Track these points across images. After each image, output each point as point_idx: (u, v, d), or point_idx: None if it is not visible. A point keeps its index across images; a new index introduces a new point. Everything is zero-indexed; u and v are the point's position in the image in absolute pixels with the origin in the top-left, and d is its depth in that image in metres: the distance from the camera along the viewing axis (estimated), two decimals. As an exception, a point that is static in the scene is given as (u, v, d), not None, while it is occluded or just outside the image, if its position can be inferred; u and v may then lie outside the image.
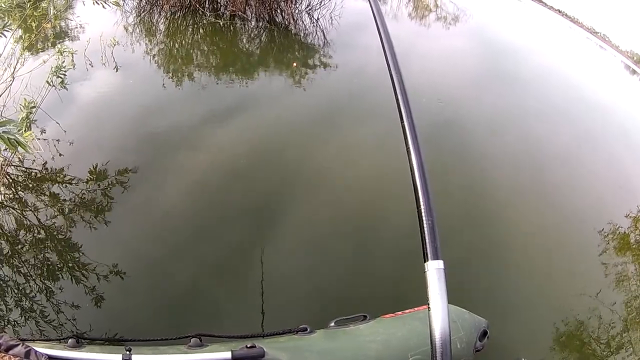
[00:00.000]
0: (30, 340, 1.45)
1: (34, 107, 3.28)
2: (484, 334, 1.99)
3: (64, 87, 3.34)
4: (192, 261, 2.76)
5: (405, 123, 1.17)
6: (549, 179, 4.52)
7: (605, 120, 6.50)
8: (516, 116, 5.54)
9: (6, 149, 2.16)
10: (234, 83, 4.81)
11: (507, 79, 6.55)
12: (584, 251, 3.85)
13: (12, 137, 1.68)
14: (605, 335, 3.19)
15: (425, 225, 1.09)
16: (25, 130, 2.94)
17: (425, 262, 1.08)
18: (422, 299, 1.96)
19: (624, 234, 4.20)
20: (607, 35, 11.62)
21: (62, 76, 3.31)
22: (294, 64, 5.40)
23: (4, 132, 1.63)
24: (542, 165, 4.70)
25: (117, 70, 4.40)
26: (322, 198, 3.49)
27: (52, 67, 3.31)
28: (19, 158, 3.13)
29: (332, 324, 1.90)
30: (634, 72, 10.07)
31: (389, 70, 1.23)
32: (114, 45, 4.60)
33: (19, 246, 2.66)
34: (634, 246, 4.19)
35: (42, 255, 2.63)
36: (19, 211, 2.86)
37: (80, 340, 1.46)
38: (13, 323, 2.27)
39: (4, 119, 2.61)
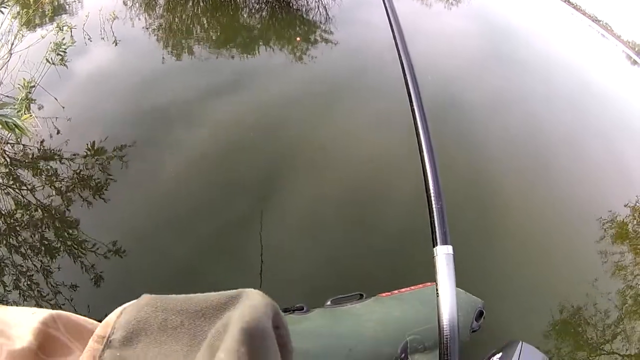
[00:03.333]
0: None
1: (33, 86, 3.25)
2: (480, 314, 1.97)
3: (64, 64, 3.29)
4: (191, 238, 2.73)
5: (415, 106, 1.15)
6: (550, 162, 4.50)
7: (606, 108, 6.46)
8: (518, 98, 5.49)
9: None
10: (234, 58, 4.73)
11: (509, 61, 6.48)
12: (582, 238, 3.85)
13: (11, 120, 1.66)
14: (600, 323, 3.20)
15: (434, 210, 1.08)
16: (24, 112, 2.91)
17: (434, 247, 1.07)
18: (420, 277, 1.96)
19: (622, 223, 4.19)
20: (609, 24, 11.51)
21: (62, 53, 3.26)
22: (298, 39, 5.32)
23: (1, 115, 1.60)
24: (543, 148, 4.67)
25: (116, 45, 4.32)
26: (323, 175, 3.47)
27: (51, 44, 3.26)
28: (16, 136, 3.08)
29: (329, 303, 1.89)
30: (635, 62, 10.01)
31: (397, 50, 1.20)
32: (113, 19, 4.53)
33: (17, 225, 2.63)
34: (631, 235, 4.20)
35: (40, 234, 2.61)
36: (17, 190, 2.83)
37: None
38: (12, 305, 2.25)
39: (2, 102, 2.58)
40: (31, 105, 3.33)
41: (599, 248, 3.79)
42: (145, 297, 0.45)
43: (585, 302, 3.25)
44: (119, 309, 0.45)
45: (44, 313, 0.51)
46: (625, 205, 4.41)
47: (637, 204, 4.51)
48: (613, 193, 4.53)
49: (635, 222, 4.33)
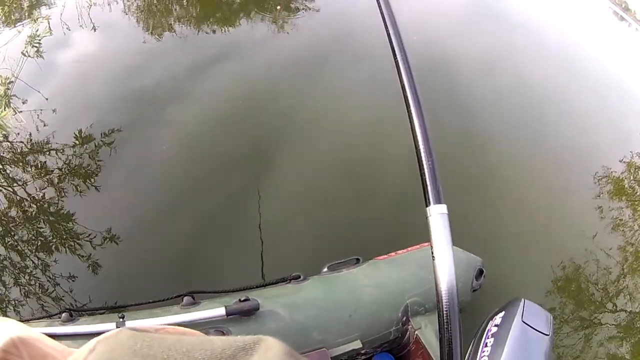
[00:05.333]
0: (25, 320, 1.43)
1: (11, 82, 3.20)
2: (480, 272, 1.97)
3: (40, 55, 3.24)
4: (186, 217, 2.71)
5: (399, 59, 1.10)
6: (544, 120, 4.45)
7: (597, 64, 6.41)
8: (508, 56, 5.40)
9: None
10: (216, 33, 4.62)
11: (497, 19, 6.37)
12: (579, 193, 3.82)
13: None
14: (602, 280, 3.20)
15: (425, 167, 1.03)
16: (4, 109, 2.88)
17: (427, 206, 1.03)
18: (416, 238, 1.93)
19: (618, 178, 4.18)
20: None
21: (37, 45, 3.21)
22: (278, 7, 5.22)
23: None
24: (535, 105, 4.61)
25: (95, 31, 4.22)
26: (315, 143, 3.42)
27: (26, 37, 3.21)
28: (2, 134, 3.04)
29: (325, 270, 1.88)
30: (622, 18, 9.94)
31: (379, 5, 1.16)
32: (90, 6, 4.44)
33: (11, 223, 2.61)
34: (628, 191, 4.19)
35: (35, 229, 2.59)
36: (8, 187, 2.80)
37: (73, 313, 1.44)
38: (13, 303, 2.25)
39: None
40: (14, 100, 3.28)
41: (596, 204, 3.79)
42: (124, 333, 0.35)
43: (586, 259, 3.24)
44: (92, 342, 0.36)
45: (5, 337, 0.45)
46: (620, 161, 4.40)
47: (632, 159, 4.49)
48: (608, 149, 4.50)
49: (632, 178, 4.32)
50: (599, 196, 3.87)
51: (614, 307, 3.09)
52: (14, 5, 4.16)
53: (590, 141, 4.48)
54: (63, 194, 2.74)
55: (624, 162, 4.41)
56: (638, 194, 4.24)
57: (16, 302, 2.27)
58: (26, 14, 4.33)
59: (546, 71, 5.31)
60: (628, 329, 3.01)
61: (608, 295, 3.15)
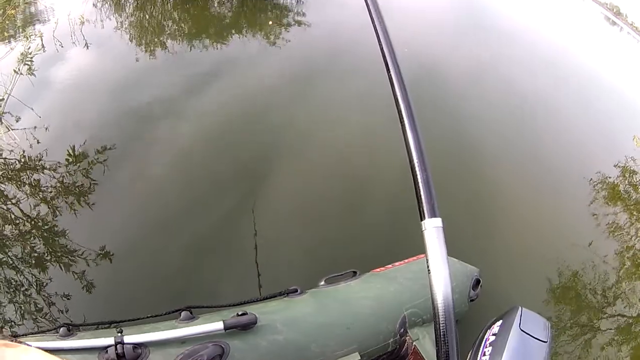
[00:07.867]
0: (23, 335, 1.42)
1: (2, 99, 3.20)
2: (477, 282, 1.99)
3: (32, 73, 3.23)
4: (182, 233, 2.71)
5: (392, 72, 1.11)
6: (535, 128, 4.51)
7: (587, 70, 6.48)
8: (497, 67, 5.47)
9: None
10: (208, 49, 4.65)
11: (485, 29, 6.44)
12: (574, 201, 3.86)
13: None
14: (600, 286, 3.21)
15: (419, 181, 1.02)
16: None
17: (421, 220, 1.02)
18: (413, 250, 1.94)
19: (613, 184, 4.21)
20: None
21: (28, 63, 3.21)
22: (270, 22, 5.25)
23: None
24: (527, 114, 4.67)
25: (88, 49, 4.22)
26: (309, 158, 3.44)
27: (19, 54, 3.21)
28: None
29: (322, 283, 1.88)
30: (613, 23, 10.06)
31: (372, 20, 1.17)
32: (82, 23, 4.45)
33: (6, 241, 2.59)
34: (623, 196, 4.21)
35: (29, 247, 2.57)
36: (2, 204, 2.78)
37: (72, 328, 1.43)
38: (10, 322, 2.23)
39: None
40: (7, 118, 3.27)
41: (591, 210, 3.81)
42: None
43: (583, 266, 3.26)
44: None
45: None
46: (615, 166, 4.43)
47: (627, 164, 4.53)
48: (599, 155, 4.55)
49: (627, 183, 4.35)
50: (594, 202, 3.90)
51: (613, 312, 3.10)
52: (7, 22, 4.17)
53: (581, 148, 4.52)
54: (57, 212, 2.73)
55: (619, 166, 4.45)
56: (632, 198, 4.27)
57: (12, 321, 2.25)
58: (19, 30, 4.34)
59: (537, 80, 5.38)
60: (626, 334, 3.02)
61: (606, 301, 3.16)
